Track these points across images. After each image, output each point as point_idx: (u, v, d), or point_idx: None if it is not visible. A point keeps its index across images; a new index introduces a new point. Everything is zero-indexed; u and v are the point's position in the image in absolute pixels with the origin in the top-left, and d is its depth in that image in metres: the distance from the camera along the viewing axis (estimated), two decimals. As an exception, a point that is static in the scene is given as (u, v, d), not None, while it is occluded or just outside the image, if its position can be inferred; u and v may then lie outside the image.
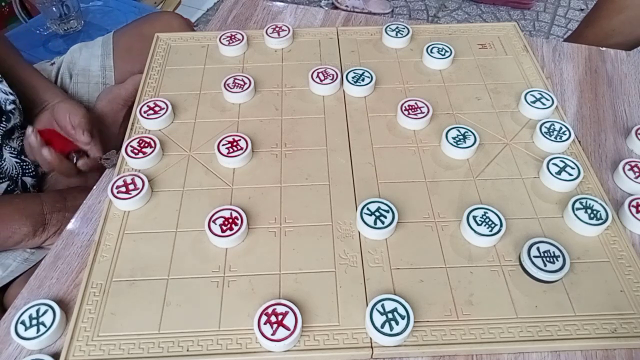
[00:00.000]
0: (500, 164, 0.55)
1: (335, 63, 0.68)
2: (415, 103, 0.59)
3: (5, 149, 0.68)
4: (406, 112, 0.58)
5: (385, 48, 0.70)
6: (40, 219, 0.61)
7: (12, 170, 0.68)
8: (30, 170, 0.71)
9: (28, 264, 0.63)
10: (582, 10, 2.02)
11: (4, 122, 0.66)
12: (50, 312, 0.43)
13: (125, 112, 0.77)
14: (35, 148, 0.64)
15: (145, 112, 0.59)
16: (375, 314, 0.41)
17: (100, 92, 0.79)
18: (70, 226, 0.52)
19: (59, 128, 0.68)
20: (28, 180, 0.71)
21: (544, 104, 0.59)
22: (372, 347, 0.41)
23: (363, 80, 0.63)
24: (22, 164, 0.69)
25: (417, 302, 0.43)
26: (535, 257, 0.45)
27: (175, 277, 0.46)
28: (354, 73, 0.64)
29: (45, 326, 0.42)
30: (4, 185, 0.67)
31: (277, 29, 0.71)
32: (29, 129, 0.64)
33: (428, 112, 0.58)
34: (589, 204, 0.49)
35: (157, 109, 0.60)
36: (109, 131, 0.76)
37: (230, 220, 0.48)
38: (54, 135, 0.67)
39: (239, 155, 0.54)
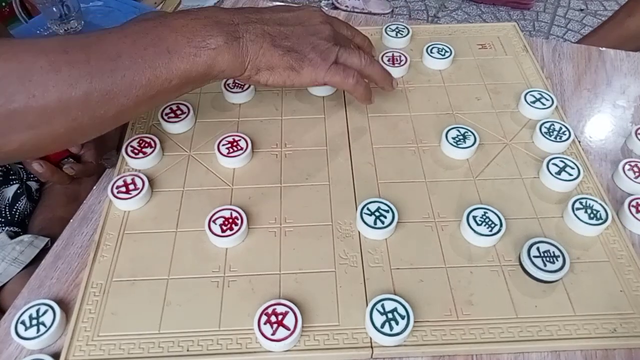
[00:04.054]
0: (500, 164, 0.55)
1: (335, 63, 0.67)
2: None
3: None
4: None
5: (385, 48, 0.70)
6: (231, 28, 0.47)
7: (19, 173, 0.68)
8: (33, 175, 0.71)
9: (17, 265, 0.62)
10: (581, 10, 2.03)
11: None
12: (50, 312, 0.43)
13: None
14: (27, 163, 0.63)
15: (145, 112, 0.59)
16: (375, 314, 0.41)
17: None
18: (70, 226, 0.52)
19: None
20: (33, 184, 0.71)
21: (543, 104, 0.59)
22: (372, 347, 0.41)
23: (363, 80, 0.63)
24: (24, 169, 0.69)
25: (417, 302, 0.43)
26: (535, 257, 0.45)
27: (175, 277, 0.46)
28: (354, 73, 0.63)
29: (45, 326, 0.42)
30: (15, 186, 0.66)
31: (277, 29, 0.70)
32: None
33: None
34: (589, 204, 0.49)
35: (157, 109, 0.60)
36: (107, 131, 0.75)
37: (230, 220, 0.48)
38: None
39: (239, 155, 0.54)
